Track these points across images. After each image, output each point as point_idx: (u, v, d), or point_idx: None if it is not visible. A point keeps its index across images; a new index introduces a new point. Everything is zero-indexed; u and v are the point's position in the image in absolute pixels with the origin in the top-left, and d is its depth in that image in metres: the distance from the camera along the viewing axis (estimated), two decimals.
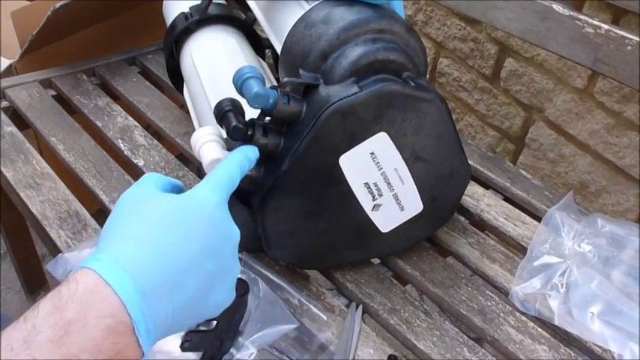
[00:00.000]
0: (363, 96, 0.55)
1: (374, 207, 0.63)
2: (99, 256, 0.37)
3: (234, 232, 0.43)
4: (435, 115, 0.60)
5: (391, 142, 0.58)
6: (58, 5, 0.93)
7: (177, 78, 0.88)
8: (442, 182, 0.66)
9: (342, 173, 0.59)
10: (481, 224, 0.79)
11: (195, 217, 0.40)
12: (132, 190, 0.43)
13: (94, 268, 0.35)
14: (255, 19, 0.84)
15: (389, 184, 0.61)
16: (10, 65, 1.03)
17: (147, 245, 0.38)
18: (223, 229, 0.42)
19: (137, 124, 0.91)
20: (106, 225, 0.40)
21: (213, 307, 0.42)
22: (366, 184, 0.60)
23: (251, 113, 0.59)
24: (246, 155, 0.51)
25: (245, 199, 0.63)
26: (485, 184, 0.86)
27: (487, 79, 1.23)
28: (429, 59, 1.35)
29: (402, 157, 0.60)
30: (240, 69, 0.56)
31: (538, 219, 0.78)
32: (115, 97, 0.98)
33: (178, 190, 0.46)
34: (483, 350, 0.63)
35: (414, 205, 0.65)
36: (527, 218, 0.79)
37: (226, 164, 0.47)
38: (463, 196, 0.81)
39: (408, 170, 0.61)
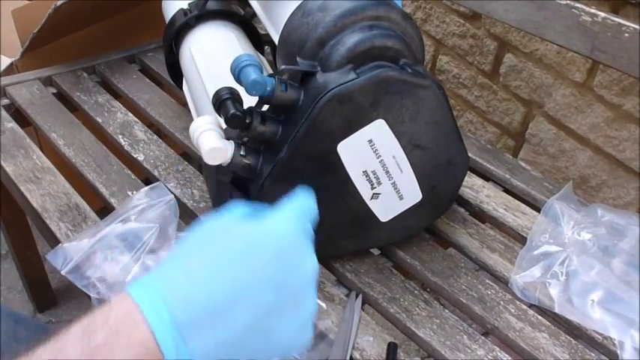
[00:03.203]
0: (360, 82, 0.56)
1: (373, 196, 0.63)
2: (142, 280, 0.34)
3: (309, 264, 0.37)
4: (433, 101, 0.60)
5: (389, 129, 0.59)
6: (58, 4, 0.94)
7: (176, 74, 0.89)
8: (441, 170, 0.66)
9: (341, 161, 0.59)
10: (481, 215, 0.79)
11: (257, 242, 0.35)
12: (205, 224, 0.37)
13: (131, 292, 0.33)
14: (253, 14, 0.84)
15: (387, 172, 0.62)
16: (12, 64, 1.03)
17: (192, 271, 0.34)
18: (293, 258, 0.36)
19: (137, 119, 0.91)
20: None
21: (278, 345, 0.36)
22: (365, 172, 0.61)
23: (249, 102, 0.60)
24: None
25: (243, 187, 0.63)
26: (485, 176, 0.86)
27: (486, 75, 1.23)
28: (428, 57, 1.36)
29: (400, 144, 0.60)
30: (237, 57, 0.56)
31: (537, 210, 0.78)
32: (116, 94, 0.99)
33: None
34: (483, 338, 0.63)
35: (413, 194, 0.65)
36: (527, 209, 0.79)
37: (303, 196, 0.40)
38: (463, 188, 0.81)
39: (406, 158, 0.61)
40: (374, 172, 0.61)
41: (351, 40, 0.57)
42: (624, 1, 0.89)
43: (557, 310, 0.65)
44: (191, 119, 0.81)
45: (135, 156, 0.84)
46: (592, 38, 0.74)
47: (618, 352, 0.62)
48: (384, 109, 0.58)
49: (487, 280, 0.69)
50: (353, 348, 0.61)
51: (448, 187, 0.69)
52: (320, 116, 0.56)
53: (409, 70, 0.58)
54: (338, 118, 0.57)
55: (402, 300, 0.66)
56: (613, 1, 0.92)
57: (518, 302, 0.66)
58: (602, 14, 0.75)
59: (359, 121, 0.58)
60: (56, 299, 1.26)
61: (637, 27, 0.73)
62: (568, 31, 0.77)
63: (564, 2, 0.79)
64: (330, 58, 0.57)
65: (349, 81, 0.56)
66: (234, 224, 0.37)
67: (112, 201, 0.76)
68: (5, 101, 0.95)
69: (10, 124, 0.89)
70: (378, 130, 0.58)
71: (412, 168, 0.62)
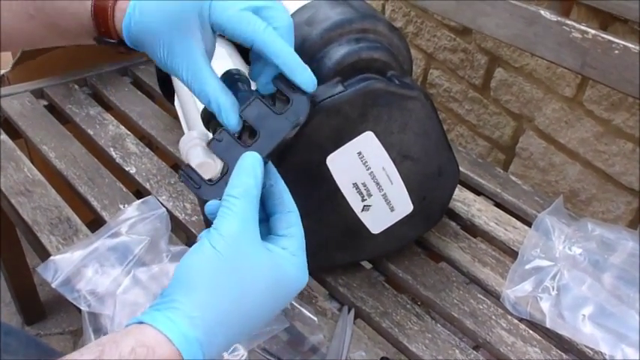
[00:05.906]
0: (348, 95, 0.56)
1: (363, 208, 0.63)
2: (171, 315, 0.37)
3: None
4: (421, 112, 0.60)
5: (378, 141, 0.59)
6: None
7: (167, 89, 0.89)
8: (431, 181, 0.66)
9: (330, 173, 0.59)
10: (472, 229, 0.79)
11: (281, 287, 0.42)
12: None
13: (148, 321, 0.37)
14: None
15: (378, 184, 0.62)
16: (3, 75, 1.03)
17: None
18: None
19: (129, 132, 0.91)
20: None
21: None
22: (355, 184, 0.61)
23: None
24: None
25: None
26: (476, 190, 0.86)
27: (477, 89, 1.24)
28: (419, 71, 1.37)
29: (390, 156, 0.60)
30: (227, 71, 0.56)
31: (528, 224, 0.78)
32: (107, 106, 0.99)
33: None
34: (475, 352, 0.62)
35: (403, 205, 0.65)
36: (518, 223, 0.80)
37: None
38: (454, 202, 0.81)
39: (396, 169, 0.61)
40: (364, 184, 0.61)
41: (338, 53, 0.57)
42: (613, 17, 0.90)
43: (548, 325, 0.65)
44: (183, 132, 0.81)
45: (127, 169, 0.84)
46: (582, 54, 0.75)
47: None
48: (372, 120, 0.58)
49: (479, 295, 0.69)
50: None
51: (439, 197, 0.69)
52: (308, 129, 0.56)
53: (396, 82, 0.58)
54: (326, 131, 0.57)
55: (394, 314, 0.66)
56: (602, 17, 0.93)
57: (509, 317, 0.66)
58: (593, 31, 0.75)
59: (348, 133, 0.58)
60: (45, 312, 1.25)
61: (627, 44, 0.74)
62: (559, 48, 0.78)
63: (555, 19, 0.79)
64: (318, 71, 0.57)
65: (337, 94, 0.56)
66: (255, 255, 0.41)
67: (104, 214, 0.75)
68: None
69: (1, 137, 0.88)
70: (367, 142, 0.59)
71: (402, 179, 0.62)
